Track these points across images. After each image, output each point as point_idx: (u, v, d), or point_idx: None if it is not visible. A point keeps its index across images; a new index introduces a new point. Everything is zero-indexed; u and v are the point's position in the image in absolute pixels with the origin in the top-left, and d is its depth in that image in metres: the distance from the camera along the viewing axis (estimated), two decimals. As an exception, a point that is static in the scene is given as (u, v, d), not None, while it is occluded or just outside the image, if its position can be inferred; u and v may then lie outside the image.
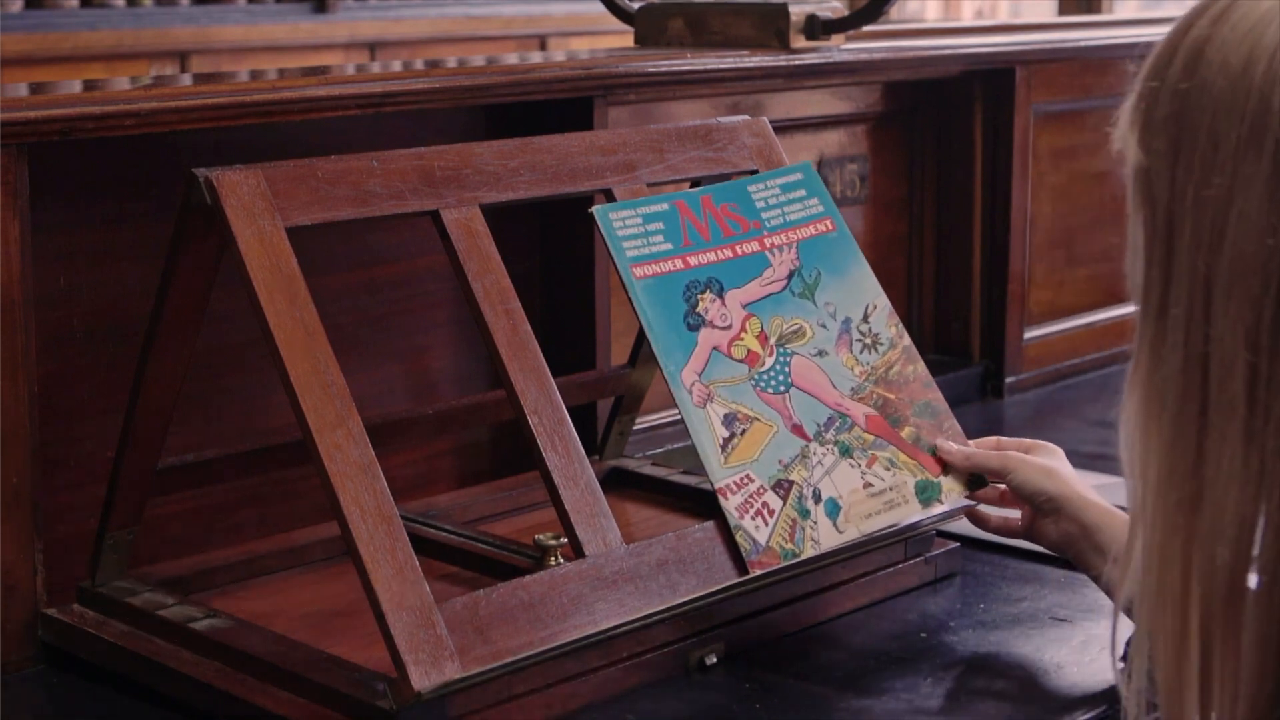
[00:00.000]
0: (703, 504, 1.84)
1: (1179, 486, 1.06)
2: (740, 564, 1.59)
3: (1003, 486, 1.75)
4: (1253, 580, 1.05)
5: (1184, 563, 1.06)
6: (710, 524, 1.61)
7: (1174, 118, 1.07)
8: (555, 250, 2.16)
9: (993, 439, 1.80)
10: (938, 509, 1.75)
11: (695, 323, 1.68)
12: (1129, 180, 1.12)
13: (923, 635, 1.71)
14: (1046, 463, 1.72)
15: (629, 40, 2.42)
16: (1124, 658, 1.51)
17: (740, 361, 1.69)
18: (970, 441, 1.79)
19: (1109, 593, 1.64)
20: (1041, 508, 1.70)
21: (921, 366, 1.79)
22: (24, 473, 1.64)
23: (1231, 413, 1.04)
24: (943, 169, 2.68)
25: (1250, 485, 1.04)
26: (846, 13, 2.36)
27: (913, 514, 1.71)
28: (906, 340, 1.79)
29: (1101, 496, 1.69)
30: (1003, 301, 2.66)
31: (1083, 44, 2.78)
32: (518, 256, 1.92)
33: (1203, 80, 1.06)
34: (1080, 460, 2.22)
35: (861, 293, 1.79)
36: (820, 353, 1.73)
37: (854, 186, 2.55)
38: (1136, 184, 1.10)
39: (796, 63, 2.29)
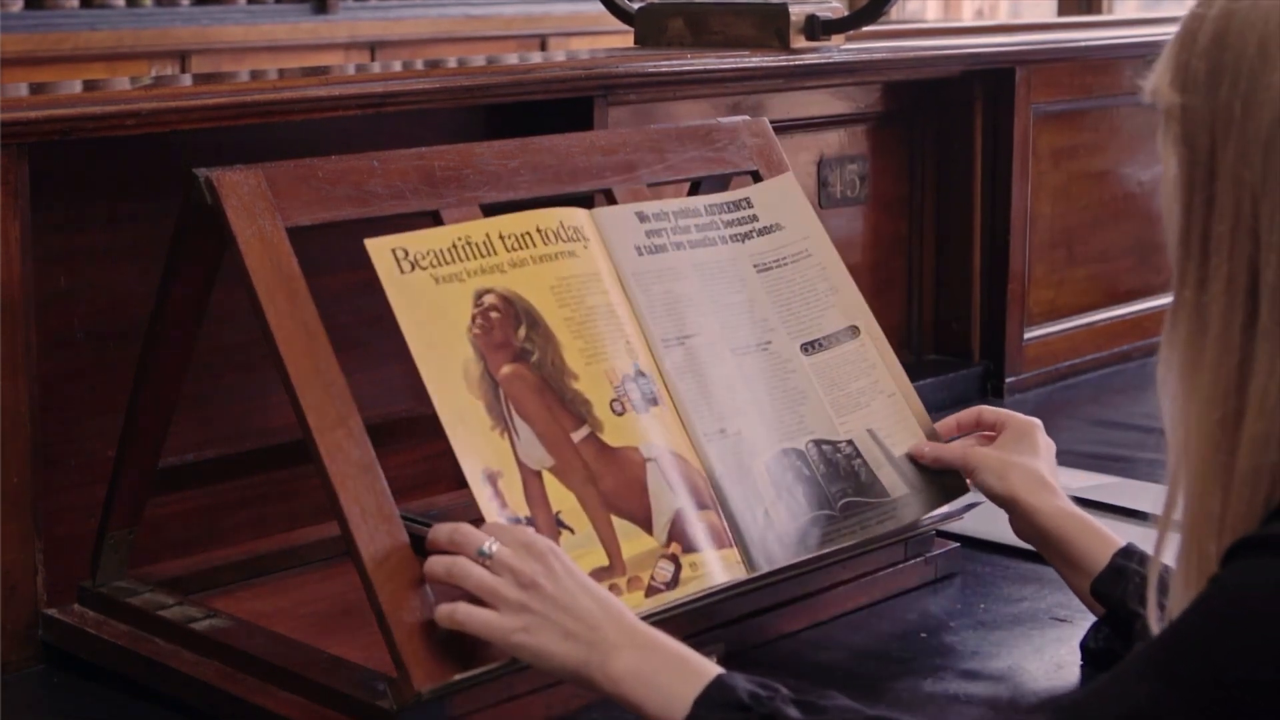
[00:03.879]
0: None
1: (1222, 404, 1.08)
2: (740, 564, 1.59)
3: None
4: None
5: (1224, 478, 1.08)
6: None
7: (1217, 41, 1.09)
8: (555, 250, 2.16)
9: (974, 410, 1.78)
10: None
11: None
12: (1160, 129, 1.14)
13: (923, 635, 1.71)
14: (1009, 459, 1.68)
15: (629, 40, 2.42)
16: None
17: None
18: (954, 415, 1.78)
19: (1081, 597, 1.63)
20: (1001, 506, 1.69)
21: None
22: (24, 473, 1.64)
23: (1276, 329, 1.06)
24: (943, 169, 2.68)
25: None
26: (846, 13, 2.36)
27: None
28: None
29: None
30: (1003, 301, 2.66)
31: (1083, 44, 2.77)
32: (518, 256, 1.92)
33: (1251, 2, 1.08)
34: (1080, 460, 2.23)
35: None
36: None
37: (854, 186, 2.55)
38: (1169, 128, 1.13)
39: (796, 63, 2.29)
